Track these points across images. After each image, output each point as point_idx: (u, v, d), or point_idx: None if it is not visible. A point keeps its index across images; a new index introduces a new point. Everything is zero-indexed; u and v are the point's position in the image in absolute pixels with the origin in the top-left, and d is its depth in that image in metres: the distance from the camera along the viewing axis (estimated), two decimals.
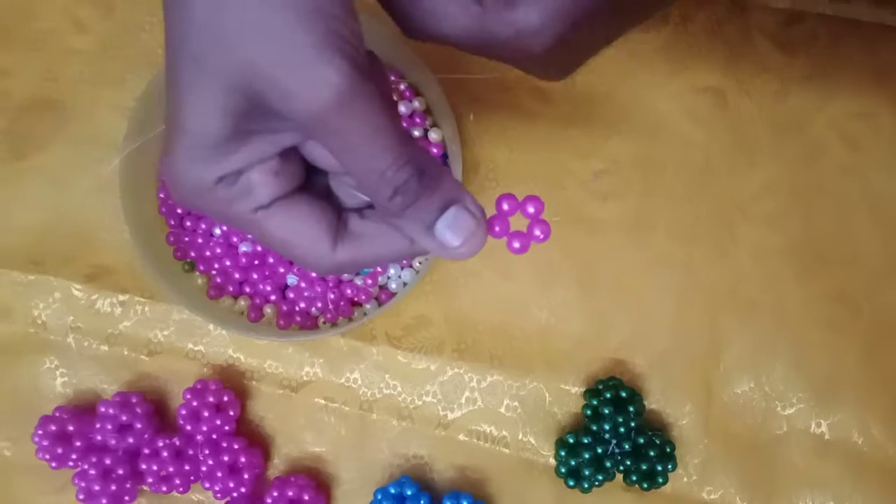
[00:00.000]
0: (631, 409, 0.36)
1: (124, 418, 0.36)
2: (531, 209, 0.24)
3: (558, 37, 0.22)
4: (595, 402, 0.36)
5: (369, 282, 0.37)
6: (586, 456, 0.35)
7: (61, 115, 0.40)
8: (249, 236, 0.37)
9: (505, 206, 0.24)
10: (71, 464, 0.36)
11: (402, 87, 0.38)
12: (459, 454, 0.37)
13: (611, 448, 0.36)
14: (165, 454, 0.36)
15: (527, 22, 0.22)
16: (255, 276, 0.37)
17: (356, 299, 0.38)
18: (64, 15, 0.41)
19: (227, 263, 0.37)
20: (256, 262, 0.37)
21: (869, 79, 0.40)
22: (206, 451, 0.36)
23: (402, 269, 0.38)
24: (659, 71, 0.40)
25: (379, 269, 0.37)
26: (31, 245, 0.39)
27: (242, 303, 0.37)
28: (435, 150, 0.38)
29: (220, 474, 0.35)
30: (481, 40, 0.23)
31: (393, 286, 0.38)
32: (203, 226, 0.38)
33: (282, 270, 0.37)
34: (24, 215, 0.39)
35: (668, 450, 0.36)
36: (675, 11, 0.40)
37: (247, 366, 0.38)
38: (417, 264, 0.38)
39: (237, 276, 0.37)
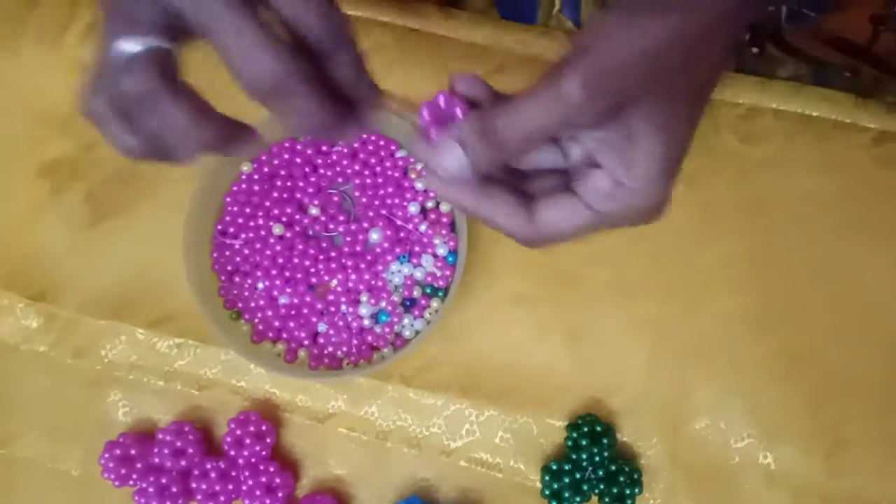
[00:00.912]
0: (605, 441, 0.42)
1: (179, 444, 0.43)
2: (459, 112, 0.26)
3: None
4: (575, 435, 0.43)
5: (386, 330, 0.45)
6: (567, 480, 0.42)
7: (142, 182, 0.47)
8: (288, 290, 0.45)
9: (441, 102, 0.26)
10: (132, 483, 0.43)
11: (419, 165, 0.46)
12: (461, 478, 0.44)
13: (588, 474, 0.42)
14: (213, 475, 0.42)
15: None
16: (291, 324, 0.45)
17: (375, 345, 0.45)
18: None
19: (269, 313, 0.45)
20: (293, 312, 0.45)
21: (819, 166, 0.47)
22: (247, 473, 0.42)
23: (416, 319, 0.45)
24: None
25: (395, 319, 0.45)
26: (110, 296, 0.46)
27: (280, 346, 0.45)
28: (444, 219, 0.46)
29: (258, 493, 0.42)
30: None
31: (407, 333, 0.45)
32: (249, 281, 0.45)
33: (314, 320, 0.44)
34: (103, 270, 0.47)
35: (636, 476, 0.42)
36: None
37: (281, 399, 0.45)
38: (428, 315, 0.45)
39: (276, 323, 0.45)
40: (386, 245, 0.45)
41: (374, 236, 0.45)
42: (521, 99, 0.24)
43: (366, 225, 0.45)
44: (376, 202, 0.46)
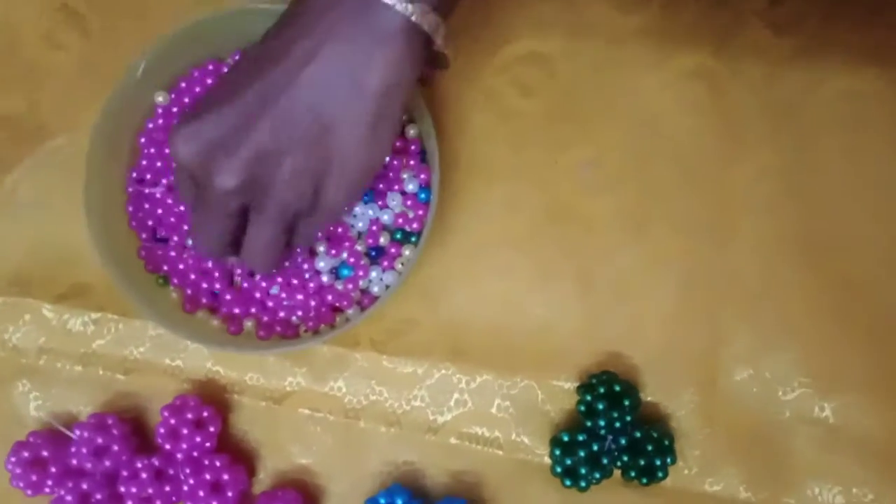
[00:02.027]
0: (626, 402, 0.34)
1: (100, 441, 0.35)
2: None
3: None
4: (589, 398, 0.35)
5: (350, 286, 0.36)
6: (582, 454, 0.34)
7: (39, 134, 0.39)
8: None
9: None
10: (47, 490, 0.35)
11: None
12: (452, 458, 0.36)
13: (607, 444, 0.34)
14: (145, 475, 0.34)
15: None
16: (232, 287, 0.36)
17: (337, 305, 0.36)
18: (41, 35, 0.40)
19: (203, 276, 0.36)
20: (234, 271, 0.36)
21: (861, 57, 0.39)
22: (187, 470, 0.34)
23: (384, 271, 0.37)
24: (643, 55, 0.39)
25: (360, 273, 0.36)
26: (13, 268, 0.38)
27: (219, 316, 0.36)
28: (413, 147, 0.37)
29: (202, 493, 0.34)
30: None
31: (375, 289, 0.37)
32: (176, 238, 0.37)
33: (262, 282, 0.36)
34: (2, 237, 0.38)
35: (667, 443, 0.34)
36: None
37: (227, 379, 0.37)
38: (400, 266, 0.37)
39: (213, 287, 0.36)
40: None
41: None
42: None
43: None
44: None
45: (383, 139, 0.29)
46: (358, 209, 0.37)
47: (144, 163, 0.37)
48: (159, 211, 0.37)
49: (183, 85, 0.38)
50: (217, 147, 0.28)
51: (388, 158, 0.36)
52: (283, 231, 0.31)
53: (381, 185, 0.37)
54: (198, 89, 0.37)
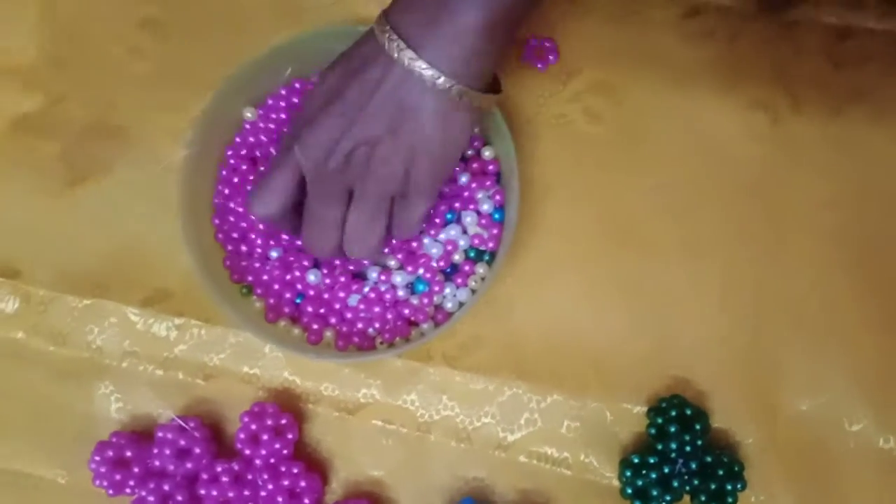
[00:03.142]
0: (697, 427, 0.35)
1: (183, 443, 0.36)
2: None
3: None
4: (660, 421, 0.35)
5: (425, 301, 0.37)
6: (653, 476, 0.35)
7: (120, 140, 0.40)
8: (305, 262, 0.37)
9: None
10: (129, 491, 0.36)
11: None
12: (520, 476, 0.37)
13: (678, 468, 0.35)
14: (225, 479, 0.35)
15: None
16: (312, 298, 0.37)
17: (413, 319, 0.37)
18: (122, 43, 0.41)
19: (286, 287, 0.37)
20: (315, 284, 0.37)
21: None
22: (266, 476, 0.35)
23: (458, 288, 0.38)
24: (707, 86, 0.40)
25: (435, 289, 0.37)
26: (94, 270, 0.39)
27: (300, 325, 0.37)
28: (490, 168, 0.38)
29: (280, 499, 0.35)
30: None
31: (449, 305, 0.38)
32: (259, 249, 0.38)
33: (341, 293, 0.37)
34: (85, 240, 0.39)
35: (737, 469, 0.35)
36: (722, 29, 0.40)
37: (303, 388, 0.38)
38: (473, 284, 0.38)
39: (295, 298, 0.37)
40: None
41: None
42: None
43: None
44: None
45: (456, 125, 0.32)
46: (432, 231, 0.38)
47: (231, 176, 0.38)
48: (243, 224, 0.38)
49: (270, 102, 0.39)
50: (333, 144, 0.32)
51: (466, 148, 0.37)
52: (382, 213, 0.34)
53: (457, 205, 0.38)
54: (283, 104, 0.39)
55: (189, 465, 0.35)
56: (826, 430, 0.37)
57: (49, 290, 0.39)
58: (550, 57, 0.40)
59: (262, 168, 0.38)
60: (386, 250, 0.38)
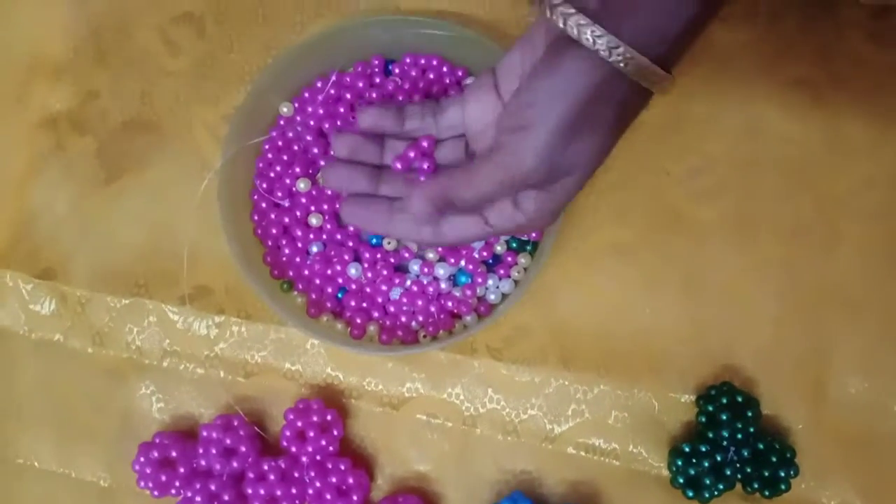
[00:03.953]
0: (748, 414, 0.35)
1: (228, 442, 0.35)
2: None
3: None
4: (711, 409, 0.35)
5: (468, 293, 0.37)
6: (705, 464, 0.34)
7: (156, 135, 0.40)
8: (346, 256, 0.37)
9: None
10: (174, 492, 0.35)
11: None
12: (568, 468, 0.36)
13: (729, 455, 0.35)
14: (272, 477, 0.35)
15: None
16: (355, 291, 0.37)
17: (456, 311, 0.37)
18: (157, 37, 0.41)
19: (327, 281, 0.37)
20: (356, 277, 0.37)
21: None
22: (312, 473, 0.35)
23: (501, 279, 0.37)
24: (750, 68, 0.40)
25: (478, 280, 0.37)
26: (131, 268, 0.38)
27: (343, 320, 0.37)
28: None
29: (328, 496, 0.35)
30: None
31: (492, 297, 0.37)
32: (299, 244, 0.37)
33: (383, 287, 0.37)
34: (121, 238, 0.39)
35: (789, 455, 0.35)
36: (763, 10, 0.40)
37: (346, 384, 0.38)
38: (516, 275, 0.37)
39: (337, 293, 0.37)
40: None
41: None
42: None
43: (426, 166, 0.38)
44: None
45: (573, 147, 0.29)
46: None
47: (270, 173, 0.38)
48: (286, 219, 0.37)
49: (306, 94, 0.39)
50: None
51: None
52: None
53: None
54: (319, 98, 0.38)
55: (235, 464, 0.35)
56: (874, 413, 0.36)
57: (86, 290, 0.38)
58: None
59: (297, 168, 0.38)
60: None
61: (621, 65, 0.27)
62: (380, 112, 0.33)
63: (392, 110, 0.33)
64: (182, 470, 0.35)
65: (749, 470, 0.34)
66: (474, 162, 0.30)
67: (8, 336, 0.39)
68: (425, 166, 0.33)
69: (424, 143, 0.33)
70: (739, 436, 0.34)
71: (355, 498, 0.35)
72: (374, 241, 0.38)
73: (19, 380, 0.38)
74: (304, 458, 0.35)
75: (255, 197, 0.38)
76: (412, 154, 0.33)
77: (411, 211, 0.31)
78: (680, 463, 0.35)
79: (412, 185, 0.32)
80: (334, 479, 0.35)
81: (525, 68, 0.30)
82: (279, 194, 0.37)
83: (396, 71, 0.39)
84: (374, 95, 0.38)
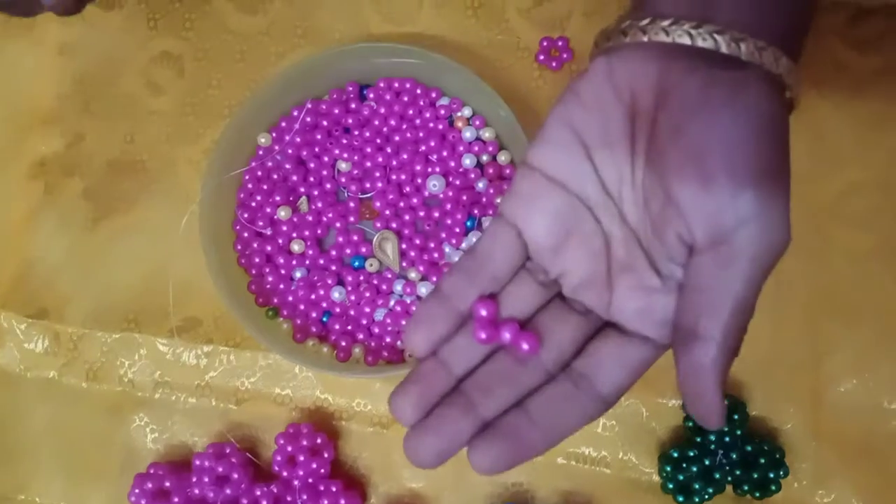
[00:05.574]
0: (735, 416, 0.35)
1: (220, 469, 0.36)
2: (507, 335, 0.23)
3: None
4: None
5: None
6: (694, 469, 0.34)
7: (142, 174, 0.40)
8: (329, 280, 0.37)
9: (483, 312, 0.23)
10: None
11: (466, 112, 0.39)
12: (560, 478, 0.37)
13: (718, 459, 0.35)
14: (265, 503, 0.35)
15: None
16: (339, 315, 0.37)
17: None
18: (139, 79, 0.42)
19: (312, 307, 0.37)
20: (340, 301, 0.37)
21: None
22: (305, 497, 0.35)
23: None
24: None
25: None
26: (122, 304, 0.39)
27: (329, 344, 0.37)
28: (507, 172, 0.38)
29: None
30: None
31: None
32: (283, 271, 0.38)
33: (366, 309, 0.37)
34: (111, 276, 0.40)
35: (778, 456, 0.35)
36: None
37: (336, 406, 0.38)
38: None
39: (321, 317, 0.37)
40: (448, 207, 0.38)
41: (434, 184, 0.38)
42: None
43: (419, 181, 0.38)
44: (417, 164, 0.38)
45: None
46: (453, 240, 0.38)
47: (253, 203, 0.39)
48: (268, 248, 0.38)
49: (283, 124, 0.39)
50: None
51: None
52: None
53: (476, 212, 0.38)
54: (296, 126, 0.39)
55: (228, 492, 0.36)
56: (866, 410, 0.36)
57: (78, 328, 0.39)
58: (564, 55, 0.40)
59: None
60: (405, 263, 0.38)
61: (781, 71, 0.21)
62: (427, 321, 0.23)
63: (432, 302, 0.23)
64: (177, 500, 0.36)
65: (738, 472, 0.34)
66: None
67: (5, 376, 0.39)
68: (525, 346, 0.23)
69: (483, 312, 0.23)
70: (727, 439, 0.35)
71: None
72: (357, 263, 0.38)
73: (19, 418, 0.39)
74: (295, 482, 0.36)
75: (238, 227, 0.38)
76: (483, 335, 0.23)
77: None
78: (669, 469, 0.35)
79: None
80: (326, 502, 0.35)
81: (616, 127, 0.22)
82: (261, 223, 0.38)
83: (371, 96, 0.40)
84: (349, 121, 0.39)
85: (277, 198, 0.38)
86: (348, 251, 0.38)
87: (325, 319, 0.38)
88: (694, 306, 0.21)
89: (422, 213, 0.38)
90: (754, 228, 0.20)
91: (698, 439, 0.35)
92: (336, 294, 0.37)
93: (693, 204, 0.21)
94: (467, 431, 0.23)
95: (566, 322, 0.24)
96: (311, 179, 0.39)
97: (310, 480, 0.36)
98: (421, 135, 0.39)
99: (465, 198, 0.38)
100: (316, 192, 0.39)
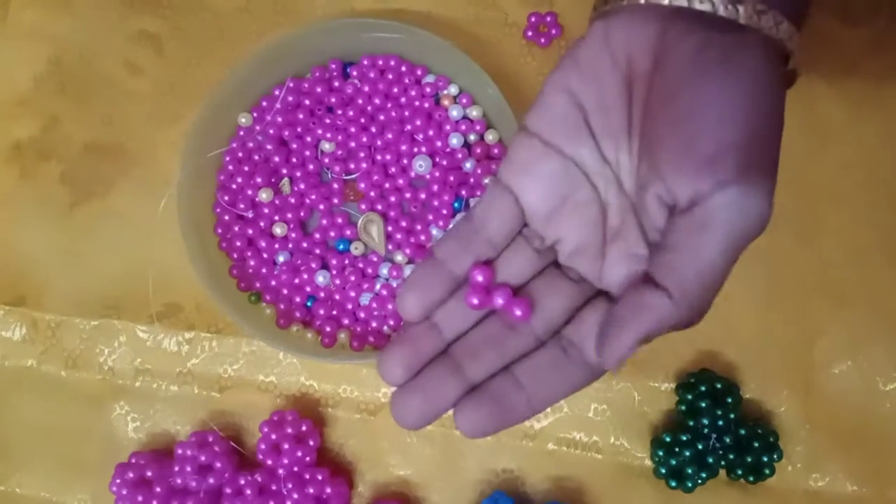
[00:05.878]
0: (728, 400, 0.34)
1: (203, 458, 0.35)
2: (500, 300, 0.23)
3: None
4: (690, 397, 0.34)
5: None
6: (687, 454, 0.34)
7: (120, 156, 0.39)
8: (313, 264, 0.36)
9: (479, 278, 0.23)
10: None
11: (452, 90, 0.38)
12: (551, 464, 0.36)
13: (711, 443, 0.34)
14: (249, 492, 0.35)
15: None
16: (324, 299, 0.36)
17: None
18: (117, 60, 0.40)
19: (295, 291, 0.36)
20: (325, 285, 0.36)
21: None
22: (290, 485, 0.35)
23: None
24: None
25: None
26: (100, 291, 0.38)
27: (313, 329, 0.36)
28: (495, 151, 0.37)
29: None
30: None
31: None
32: (265, 255, 0.37)
33: (352, 293, 0.36)
34: (90, 261, 0.38)
35: (772, 440, 0.34)
36: None
37: (321, 393, 0.37)
38: None
39: (306, 301, 0.37)
40: (435, 188, 0.36)
41: (421, 165, 0.37)
42: None
43: (405, 161, 0.37)
44: (402, 144, 0.37)
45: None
46: (440, 221, 0.37)
47: (230, 183, 0.38)
48: (250, 231, 0.37)
49: (264, 104, 0.38)
50: None
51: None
52: None
53: (463, 192, 0.37)
54: (278, 106, 0.38)
55: (211, 481, 0.35)
56: (860, 392, 0.36)
57: (56, 315, 0.38)
58: (553, 31, 0.39)
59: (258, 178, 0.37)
60: (390, 246, 0.37)
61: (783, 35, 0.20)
62: (420, 286, 0.23)
63: (427, 267, 0.23)
64: (159, 489, 0.35)
65: (732, 457, 0.34)
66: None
67: None
68: (518, 312, 0.23)
69: (479, 277, 0.23)
70: (720, 423, 0.34)
71: None
72: (342, 246, 0.37)
73: (2, 412, 0.38)
74: (280, 471, 0.35)
75: (218, 210, 0.37)
76: (476, 300, 0.22)
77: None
78: (661, 453, 0.34)
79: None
80: (312, 490, 0.34)
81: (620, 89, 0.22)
82: (242, 206, 0.37)
83: (354, 73, 0.38)
84: (332, 100, 0.38)
85: (259, 179, 0.37)
86: (332, 234, 0.37)
87: (309, 304, 0.37)
88: (661, 265, 0.21)
89: (408, 195, 0.37)
90: (732, 196, 0.20)
91: (691, 423, 0.34)
92: (320, 278, 0.36)
93: (672, 164, 0.20)
94: (454, 393, 0.22)
95: (559, 289, 0.23)
96: (294, 160, 0.38)
97: (295, 469, 0.35)
98: (406, 114, 0.38)
99: (452, 178, 0.37)
100: (298, 174, 0.38)
